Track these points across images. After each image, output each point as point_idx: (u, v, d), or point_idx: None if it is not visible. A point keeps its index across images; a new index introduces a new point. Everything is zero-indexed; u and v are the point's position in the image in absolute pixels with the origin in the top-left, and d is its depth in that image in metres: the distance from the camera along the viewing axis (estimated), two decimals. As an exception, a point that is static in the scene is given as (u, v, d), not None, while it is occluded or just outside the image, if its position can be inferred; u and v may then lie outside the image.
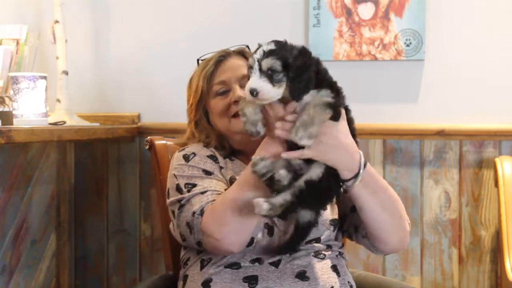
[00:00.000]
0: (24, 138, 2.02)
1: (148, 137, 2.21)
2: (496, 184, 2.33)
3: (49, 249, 2.60)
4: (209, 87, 1.83)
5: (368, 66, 2.53)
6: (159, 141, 2.19)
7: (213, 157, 1.78)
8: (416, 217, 2.50)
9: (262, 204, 1.45)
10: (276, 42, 1.51)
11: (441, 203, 2.49)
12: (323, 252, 1.69)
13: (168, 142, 2.20)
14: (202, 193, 1.65)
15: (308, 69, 1.47)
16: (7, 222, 2.34)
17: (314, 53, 1.52)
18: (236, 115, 1.77)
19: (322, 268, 1.66)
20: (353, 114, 1.57)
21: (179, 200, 1.68)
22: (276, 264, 1.64)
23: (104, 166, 2.73)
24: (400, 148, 2.51)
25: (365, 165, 1.52)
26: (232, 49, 1.90)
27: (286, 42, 1.52)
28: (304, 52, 1.50)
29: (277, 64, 1.46)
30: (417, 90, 2.51)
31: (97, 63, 2.74)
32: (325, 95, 1.48)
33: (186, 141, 1.90)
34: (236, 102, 1.77)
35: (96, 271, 2.75)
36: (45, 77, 2.35)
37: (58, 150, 2.65)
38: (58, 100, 2.52)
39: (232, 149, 1.83)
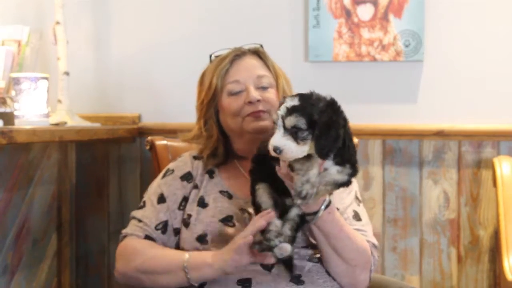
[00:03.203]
0: (25, 139, 2.03)
1: (149, 138, 2.23)
2: (495, 184, 2.34)
3: (50, 249, 2.61)
4: (223, 85, 1.80)
5: (367, 67, 2.53)
6: (160, 142, 2.21)
7: (188, 176, 1.83)
8: (415, 217, 2.51)
9: (287, 247, 1.49)
10: (301, 97, 1.44)
11: (440, 203, 2.50)
12: (318, 256, 1.69)
13: (169, 143, 2.22)
14: (139, 221, 1.82)
15: (336, 125, 1.41)
16: (8, 222, 2.34)
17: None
18: (249, 115, 1.76)
19: (318, 272, 1.66)
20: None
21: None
22: (269, 268, 1.63)
23: (105, 166, 2.73)
24: (399, 149, 2.52)
25: (327, 207, 1.54)
26: (246, 47, 1.87)
27: (311, 94, 1.45)
28: (331, 104, 1.44)
29: (302, 122, 1.39)
30: (416, 90, 2.52)
31: (98, 64, 2.75)
32: (342, 173, 1.48)
33: (191, 139, 1.89)
34: (250, 102, 1.75)
35: (97, 271, 2.75)
36: (46, 78, 2.36)
37: (59, 150, 2.65)
38: (59, 101, 2.53)
39: (227, 155, 1.84)
